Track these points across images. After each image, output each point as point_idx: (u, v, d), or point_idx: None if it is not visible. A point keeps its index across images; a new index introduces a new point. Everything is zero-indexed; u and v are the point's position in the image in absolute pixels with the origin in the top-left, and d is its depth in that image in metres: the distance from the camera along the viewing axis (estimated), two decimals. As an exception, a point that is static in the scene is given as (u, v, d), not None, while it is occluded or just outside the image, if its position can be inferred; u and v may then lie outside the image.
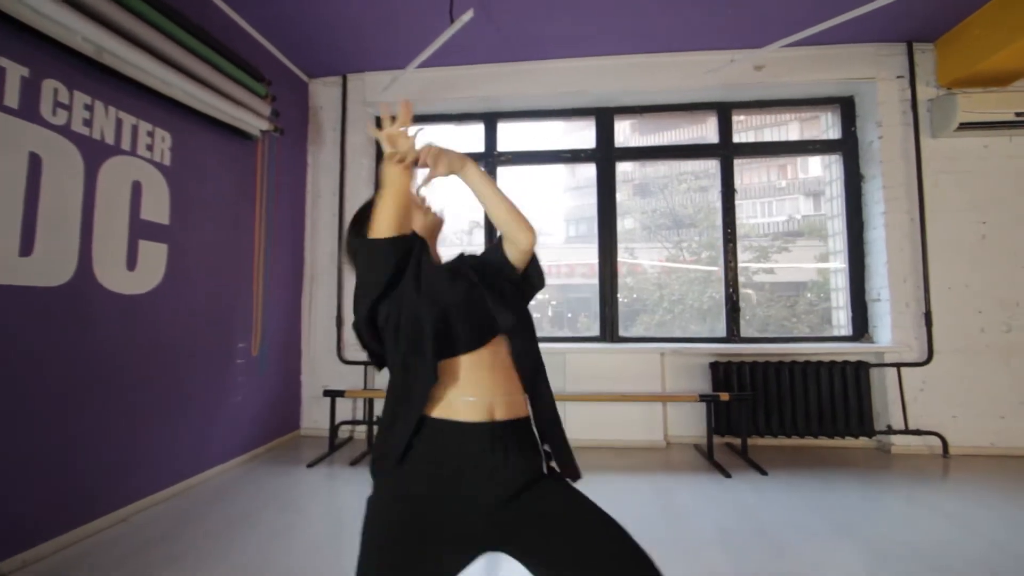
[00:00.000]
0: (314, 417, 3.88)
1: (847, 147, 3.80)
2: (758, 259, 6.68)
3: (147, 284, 2.51)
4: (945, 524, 2.26)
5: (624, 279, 10.52)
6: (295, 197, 3.85)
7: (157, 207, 2.57)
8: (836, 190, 3.91)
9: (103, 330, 2.26)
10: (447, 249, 1.25)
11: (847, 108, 3.81)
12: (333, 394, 3.39)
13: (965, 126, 3.31)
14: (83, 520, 2.15)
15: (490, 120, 4.11)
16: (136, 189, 2.45)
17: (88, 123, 2.21)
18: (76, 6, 2.00)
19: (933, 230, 3.42)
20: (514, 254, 1.12)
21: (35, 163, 2.00)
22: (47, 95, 2.04)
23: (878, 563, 1.90)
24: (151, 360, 2.51)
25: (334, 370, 3.85)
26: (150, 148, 2.53)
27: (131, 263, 2.42)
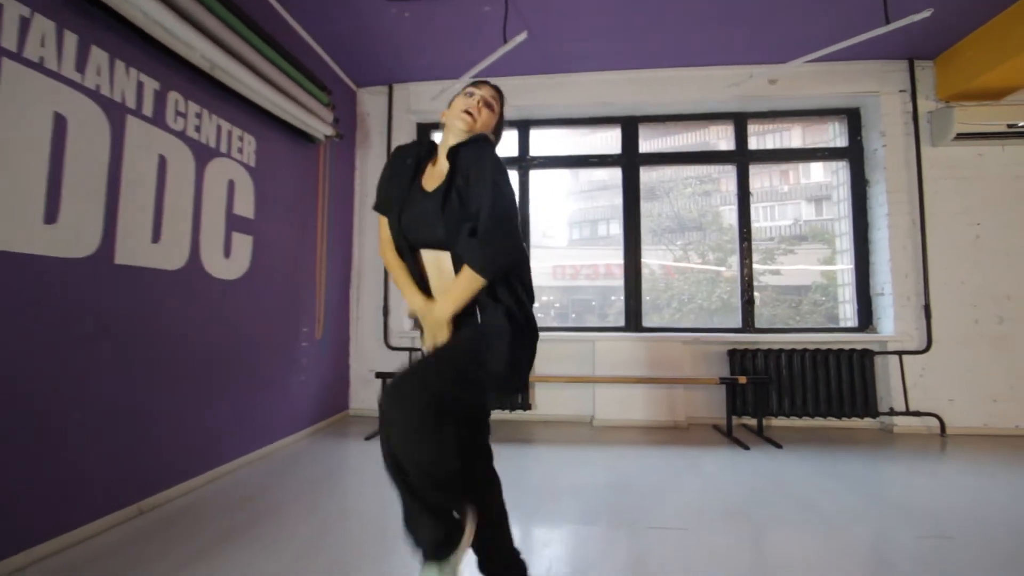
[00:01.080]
0: (361, 398, 4.20)
1: (853, 154, 4.14)
2: (763, 261, 7.03)
3: (238, 271, 2.83)
4: (942, 490, 2.59)
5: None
6: (345, 197, 4.18)
7: (245, 203, 2.90)
8: (843, 194, 4.25)
9: (205, 311, 2.59)
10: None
11: (853, 119, 4.16)
12: (384, 376, 3.72)
13: (961, 136, 3.65)
14: (190, 475, 2.47)
15: (523, 127, 4.44)
16: (231, 187, 2.78)
17: (198, 129, 2.55)
18: (198, 27, 2.33)
19: (932, 231, 3.75)
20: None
21: (162, 164, 2.33)
22: (171, 105, 2.37)
23: (884, 520, 2.23)
24: (239, 338, 2.84)
25: (380, 355, 4.17)
26: (240, 151, 2.86)
27: (227, 252, 2.75)
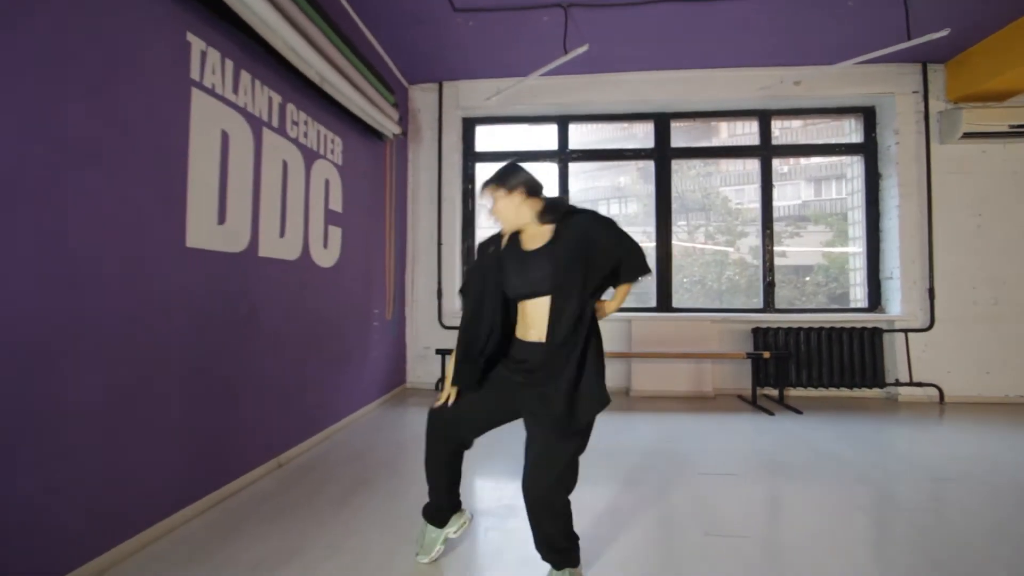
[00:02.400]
0: (417, 373, 4.62)
1: (868, 150, 4.51)
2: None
3: (332, 260, 3.20)
4: (942, 445, 3.05)
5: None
6: (400, 189, 4.53)
7: (336, 199, 3.25)
8: (856, 186, 4.63)
9: (313, 295, 2.97)
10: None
11: (869, 116, 4.52)
12: (444, 352, 4.13)
13: (968, 135, 4.03)
14: (308, 435, 2.89)
15: (563, 122, 4.77)
16: (326, 185, 3.14)
17: (306, 135, 2.89)
18: (315, 46, 2.65)
19: (938, 221, 4.16)
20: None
21: (285, 168, 2.68)
22: (288, 116, 2.71)
23: (896, 467, 2.69)
24: (334, 319, 3.23)
25: (434, 334, 4.58)
26: (332, 152, 3.21)
27: (325, 243, 3.12)
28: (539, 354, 1.47)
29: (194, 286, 2.02)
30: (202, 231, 2.06)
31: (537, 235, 1.54)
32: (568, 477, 1.47)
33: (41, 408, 1.43)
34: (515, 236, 1.59)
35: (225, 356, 2.22)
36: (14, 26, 1.37)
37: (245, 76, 2.34)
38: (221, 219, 2.19)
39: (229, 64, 2.23)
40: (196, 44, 2.04)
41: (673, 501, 2.19)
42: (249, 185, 2.38)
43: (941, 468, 2.61)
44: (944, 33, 2.98)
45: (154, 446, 1.83)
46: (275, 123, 2.58)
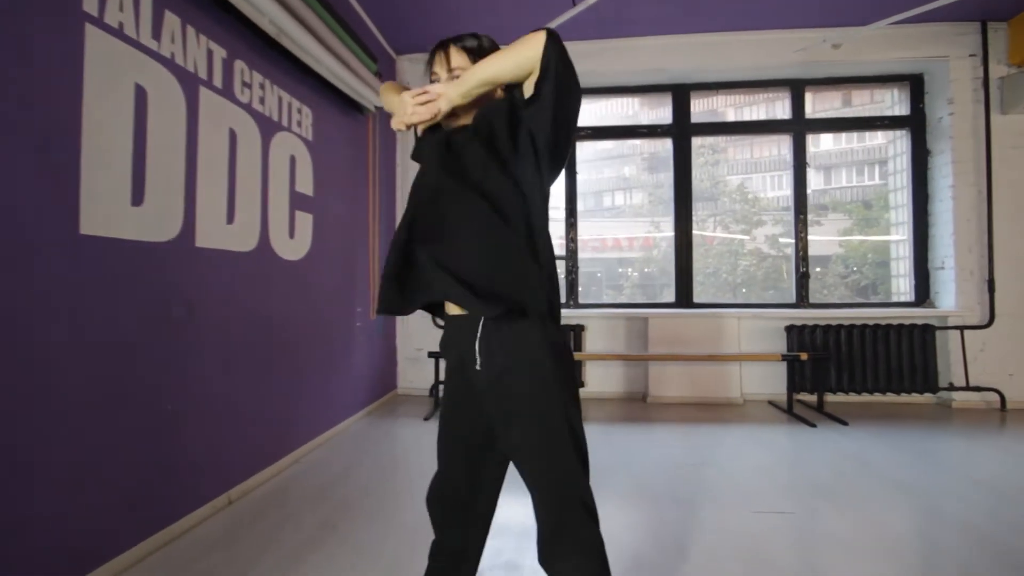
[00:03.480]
0: (409, 378, 4.15)
1: (914, 123, 3.99)
2: (786, 233, 6.88)
3: (301, 251, 2.72)
4: (1001, 459, 2.58)
5: (651, 252, 10.59)
6: (388, 170, 4.03)
7: (305, 180, 2.77)
8: (901, 164, 4.11)
9: (275, 293, 2.49)
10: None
11: (916, 85, 3.99)
12: (437, 355, 3.65)
13: (1035, 103, 3.50)
14: (270, 461, 2.43)
15: (569, 96, 4.25)
16: (292, 163, 2.65)
17: (263, 101, 2.40)
18: (266, -9, 2.16)
19: (999, 202, 3.64)
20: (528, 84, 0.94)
21: (233, 139, 2.19)
22: (238, 75, 2.22)
23: (972, 494, 2.20)
24: (304, 320, 2.75)
25: (428, 333, 4.10)
26: (299, 124, 2.72)
27: (291, 232, 2.63)
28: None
29: (96, 283, 1.54)
30: (105, 214, 1.58)
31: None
32: (600, 546, 0.95)
33: None
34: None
35: (152, 370, 1.75)
36: None
37: (171, 18, 1.85)
38: (137, 200, 1.70)
39: (146, 1, 1.74)
40: (90, -34, 1.54)
41: (713, 550, 1.71)
42: (180, 158, 1.90)
43: (997, 481, 2.12)
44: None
45: (51, 491, 1.36)
46: (217, 82, 2.09)
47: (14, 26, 1.32)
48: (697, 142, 4.56)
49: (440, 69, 1.06)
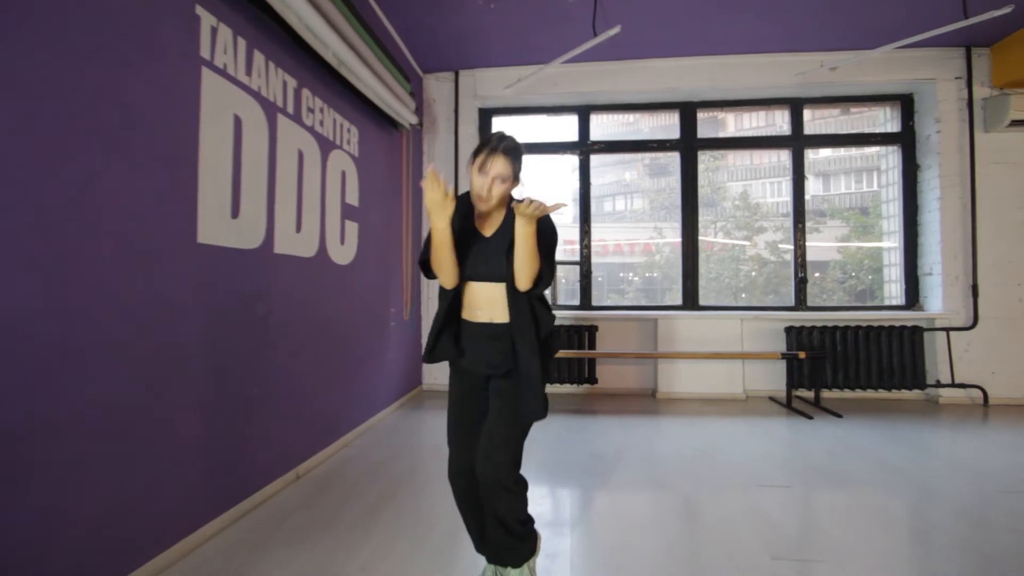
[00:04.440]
0: (433, 375, 4.44)
1: (905, 140, 4.30)
2: (786, 239, 7.22)
3: (349, 257, 3.02)
4: (985, 447, 2.87)
5: (654, 257, 10.94)
6: (417, 182, 4.33)
7: (352, 192, 3.07)
8: (893, 177, 4.42)
9: (330, 295, 2.78)
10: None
11: (906, 104, 4.30)
12: (463, 353, 3.94)
13: (1015, 123, 3.81)
14: (325, 444, 2.71)
15: (583, 112, 4.57)
16: (343, 177, 2.95)
17: (322, 123, 2.70)
18: (332, 26, 2.46)
19: (982, 214, 3.95)
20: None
21: (300, 159, 2.49)
22: (304, 102, 2.52)
23: (958, 476, 2.50)
24: (351, 319, 3.04)
25: (451, 334, 4.39)
26: (348, 142, 3.02)
27: (342, 239, 2.93)
28: (487, 332, 1.47)
29: (207, 285, 1.84)
30: (215, 226, 1.88)
31: (496, 220, 1.50)
32: (519, 456, 1.47)
33: (42, 418, 1.25)
34: (469, 212, 1.50)
35: (241, 361, 2.04)
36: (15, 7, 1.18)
37: (258, 57, 2.15)
38: (235, 212, 2.00)
39: (242, 43, 2.04)
40: (206, 19, 1.84)
41: (729, 520, 2.00)
42: (264, 176, 2.20)
43: (1006, 478, 2.41)
44: (1007, 10, 2.76)
45: (167, 460, 1.65)
46: (290, 109, 2.39)
47: (150, 70, 1.61)
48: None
49: (490, 166, 1.41)
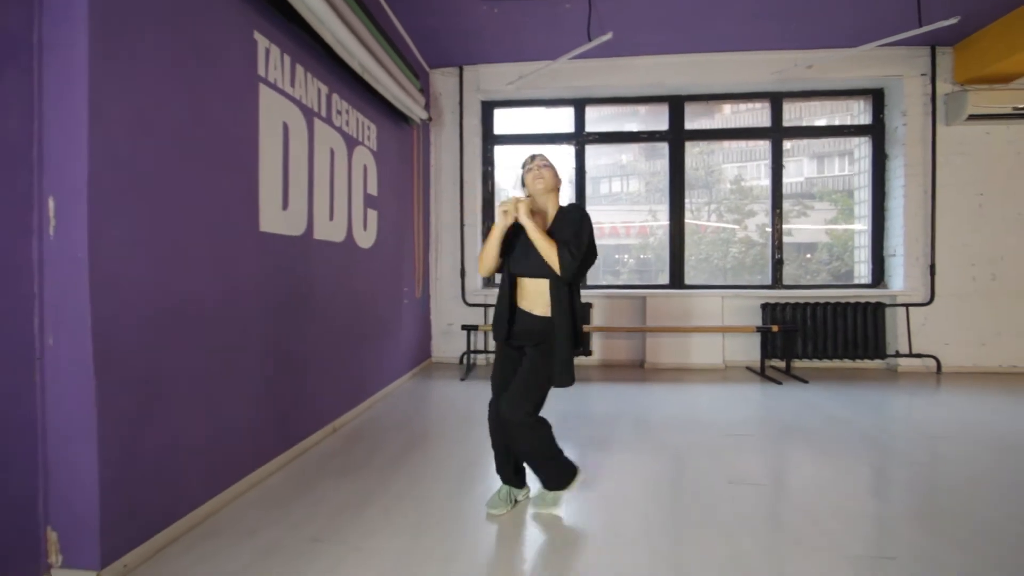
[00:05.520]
0: (442, 348, 4.86)
1: (875, 131, 4.67)
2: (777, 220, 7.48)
3: (370, 241, 3.40)
4: (936, 409, 3.31)
5: (647, 239, 11.16)
6: (426, 172, 4.69)
7: (372, 183, 3.43)
8: (863, 166, 4.80)
9: (356, 275, 3.17)
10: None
11: (878, 98, 4.66)
12: (469, 328, 4.36)
13: (973, 117, 4.18)
14: (354, 404, 3.13)
15: (579, 105, 4.91)
16: (364, 170, 3.31)
17: (347, 123, 3.05)
18: (358, 37, 2.80)
19: (941, 201, 4.35)
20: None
21: (332, 156, 2.86)
22: (334, 105, 2.88)
23: (898, 429, 2.95)
24: (372, 297, 3.44)
25: (457, 310, 4.80)
26: (369, 139, 3.37)
27: (365, 225, 3.31)
28: (539, 325, 1.82)
29: (267, 267, 2.23)
30: (271, 217, 2.26)
31: (541, 223, 1.85)
32: (538, 404, 1.80)
33: (159, 374, 1.66)
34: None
35: (290, 331, 2.44)
36: (129, 31, 1.54)
37: (299, 70, 2.50)
38: (284, 205, 2.38)
39: (287, 59, 2.39)
40: (261, 42, 2.20)
41: (698, 458, 2.44)
42: (305, 172, 2.56)
43: (940, 428, 2.86)
44: (954, 21, 3.12)
45: (241, 409, 2.06)
46: (324, 113, 2.74)
47: (224, 89, 1.97)
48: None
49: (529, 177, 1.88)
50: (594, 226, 1.85)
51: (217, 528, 1.78)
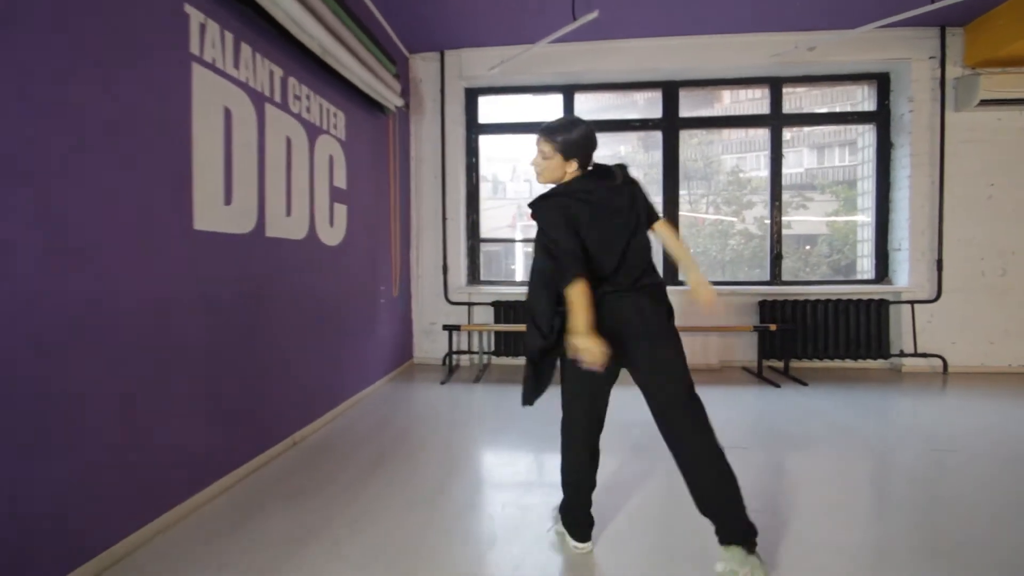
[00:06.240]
0: (424, 349, 4.64)
1: (880, 118, 4.41)
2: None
3: (338, 238, 3.16)
4: (946, 416, 3.09)
5: (645, 232, 11.07)
6: (403, 163, 4.44)
7: (340, 175, 3.19)
8: (867, 155, 4.55)
9: (320, 275, 2.94)
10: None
11: (883, 83, 4.40)
12: (451, 328, 4.14)
13: (985, 102, 3.93)
14: (320, 413, 2.92)
15: (568, 91, 4.64)
16: (331, 161, 3.07)
17: (308, 110, 2.81)
18: (316, 16, 2.55)
19: (949, 191, 4.11)
20: None
21: (288, 145, 2.61)
22: (291, 90, 2.63)
23: (902, 438, 2.73)
24: (341, 298, 3.21)
25: (440, 309, 4.57)
26: (335, 127, 3.13)
27: (331, 221, 3.07)
28: None
29: (206, 268, 2.00)
30: (210, 212, 2.02)
31: None
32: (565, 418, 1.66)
33: (54, 395, 1.43)
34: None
35: (238, 338, 2.21)
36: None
37: (246, 49, 2.25)
38: (228, 200, 2.14)
39: (229, 37, 2.14)
40: (195, 16, 1.95)
41: (674, 475, 2.22)
42: (254, 163, 2.32)
43: (946, 438, 2.64)
44: (968, -4, 2.86)
45: (174, 427, 1.84)
46: (277, 98, 2.50)
47: (144, 68, 1.73)
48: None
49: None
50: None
51: (128, 572, 1.57)
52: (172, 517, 1.82)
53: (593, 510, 1.68)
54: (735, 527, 1.46)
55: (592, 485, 1.67)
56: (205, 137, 2.00)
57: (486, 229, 4.90)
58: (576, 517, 1.66)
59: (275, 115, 2.48)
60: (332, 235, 3.08)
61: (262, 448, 2.37)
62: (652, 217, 1.66)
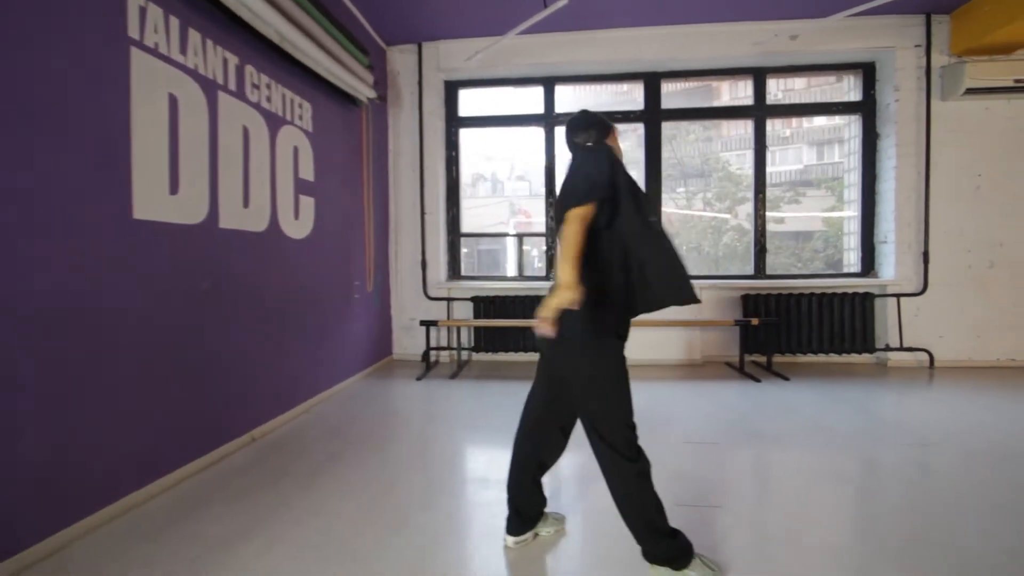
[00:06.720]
0: (403, 345, 4.58)
1: (866, 108, 4.33)
2: (770, 208, 7.24)
3: (305, 231, 3.11)
4: (927, 411, 3.02)
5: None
6: (380, 156, 4.38)
7: (307, 167, 3.13)
8: (853, 147, 4.47)
9: (283, 269, 2.88)
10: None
11: (868, 73, 4.31)
12: (428, 323, 4.08)
13: (971, 91, 3.84)
14: (283, 409, 2.86)
15: (548, 84, 4.57)
16: (295, 153, 3.01)
17: (269, 99, 2.75)
18: (273, 4, 2.49)
19: (936, 183, 4.02)
20: None
21: (246, 135, 2.55)
22: (248, 78, 2.57)
23: (880, 433, 2.65)
24: (308, 293, 3.15)
25: (419, 304, 4.51)
26: (300, 118, 3.07)
27: (296, 214, 3.01)
28: None
29: (148, 259, 1.94)
30: (153, 201, 1.97)
31: None
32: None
33: (-27, 389, 1.37)
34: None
35: (188, 331, 2.16)
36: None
37: (194, 35, 2.19)
38: (173, 189, 2.08)
39: (175, 22, 2.09)
40: (133, 0, 1.89)
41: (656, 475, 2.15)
42: (205, 153, 2.27)
43: (925, 433, 2.57)
44: (947, -22, 2.78)
45: (108, 424, 1.78)
46: (232, 86, 2.44)
47: (78, 52, 1.67)
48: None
49: None
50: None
51: (58, 564, 1.51)
52: (115, 511, 1.77)
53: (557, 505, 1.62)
54: (654, 551, 1.47)
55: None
56: (146, 124, 1.94)
57: (482, 225, 4.84)
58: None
59: (230, 103, 2.42)
60: (298, 228, 3.02)
61: (214, 445, 2.32)
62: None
